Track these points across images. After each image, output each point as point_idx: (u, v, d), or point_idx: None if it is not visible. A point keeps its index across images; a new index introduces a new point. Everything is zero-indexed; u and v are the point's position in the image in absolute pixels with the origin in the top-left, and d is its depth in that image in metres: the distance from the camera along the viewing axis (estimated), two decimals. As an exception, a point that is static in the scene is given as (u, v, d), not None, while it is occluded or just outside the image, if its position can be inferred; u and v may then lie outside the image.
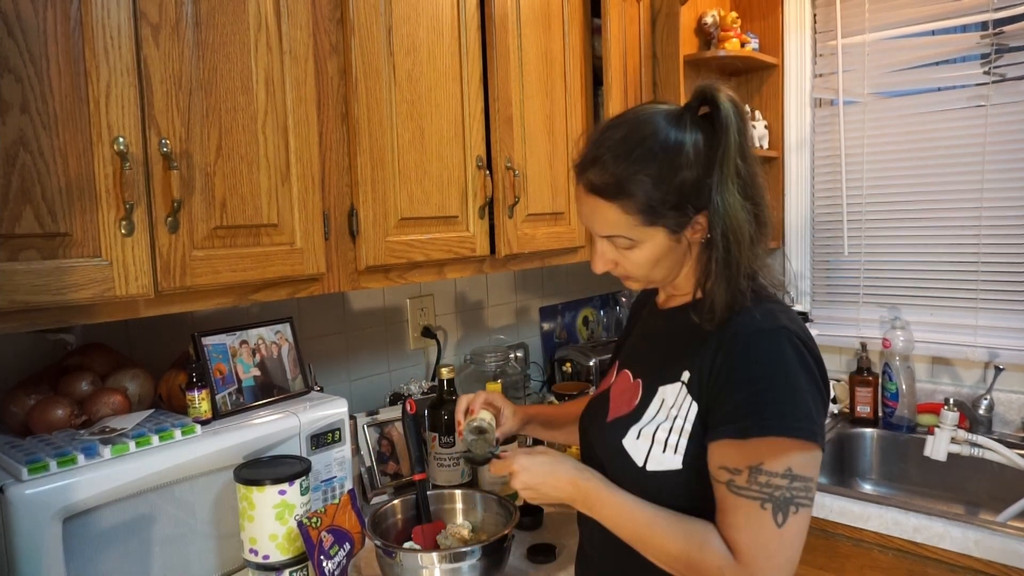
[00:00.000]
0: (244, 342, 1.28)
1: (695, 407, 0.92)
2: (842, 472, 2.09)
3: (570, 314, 2.40)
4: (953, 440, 1.71)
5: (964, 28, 2.05)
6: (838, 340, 2.29)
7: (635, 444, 0.96)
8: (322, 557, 1.09)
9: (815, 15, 2.28)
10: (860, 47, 2.18)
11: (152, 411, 1.15)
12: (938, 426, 1.74)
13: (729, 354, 0.89)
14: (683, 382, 0.95)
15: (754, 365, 0.87)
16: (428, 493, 1.30)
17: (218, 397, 1.20)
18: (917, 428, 2.05)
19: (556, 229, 1.71)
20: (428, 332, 1.87)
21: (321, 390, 1.40)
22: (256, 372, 1.28)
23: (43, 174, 0.86)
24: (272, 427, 1.20)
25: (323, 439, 1.27)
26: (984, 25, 1.97)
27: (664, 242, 0.94)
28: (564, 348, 2.26)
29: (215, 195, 1.05)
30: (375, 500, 1.57)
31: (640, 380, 1.03)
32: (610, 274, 1.02)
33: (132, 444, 1.03)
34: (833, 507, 1.65)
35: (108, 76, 0.91)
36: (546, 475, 0.99)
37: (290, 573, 1.11)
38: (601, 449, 1.03)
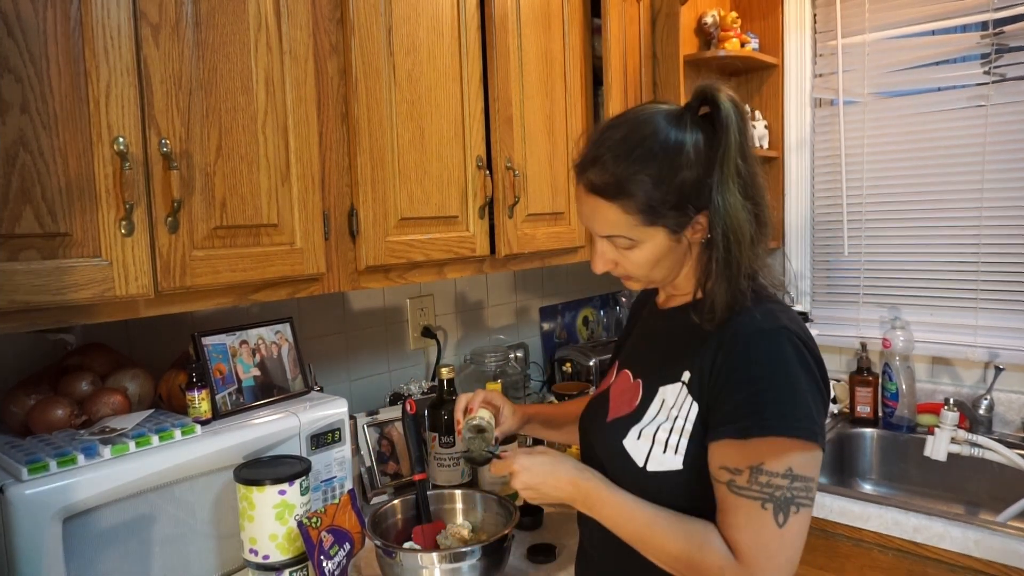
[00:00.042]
0: (244, 342, 1.28)
1: (695, 407, 0.92)
2: (842, 472, 2.09)
3: (570, 314, 2.40)
4: (953, 440, 1.71)
5: (964, 28, 2.05)
6: (838, 340, 2.29)
7: (635, 444, 0.96)
8: (322, 557, 1.09)
9: (815, 15, 2.28)
10: (860, 47, 2.18)
11: (152, 411, 1.15)
12: (938, 426, 1.74)
13: (729, 354, 0.89)
14: (683, 382, 0.95)
15: (754, 365, 0.87)
16: (428, 493, 1.30)
17: (218, 397, 1.20)
18: (917, 428, 2.05)
19: (556, 229, 1.71)
20: (428, 332, 1.87)
21: (321, 390, 1.40)
22: (256, 372, 1.28)
23: (43, 174, 0.86)
24: (272, 427, 1.20)
25: (323, 439, 1.27)
26: (984, 25, 1.97)
27: (664, 242, 0.94)
28: (564, 348, 2.26)
29: (215, 195, 1.05)
30: (375, 500, 1.57)
31: (640, 380, 1.03)
32: (610, 274, 1.02)
33: (132, 444, 1.03)
34: (833, 507, 1.65)
35: (108, 76, 0.91)
36: (546, 475, 0.99)
37: (290, 573, 1.11)
38: (601, 449, 1.03)
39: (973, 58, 2.02)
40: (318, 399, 1.32)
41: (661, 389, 0.98)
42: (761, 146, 2.32)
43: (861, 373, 2.14)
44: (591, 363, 2.09)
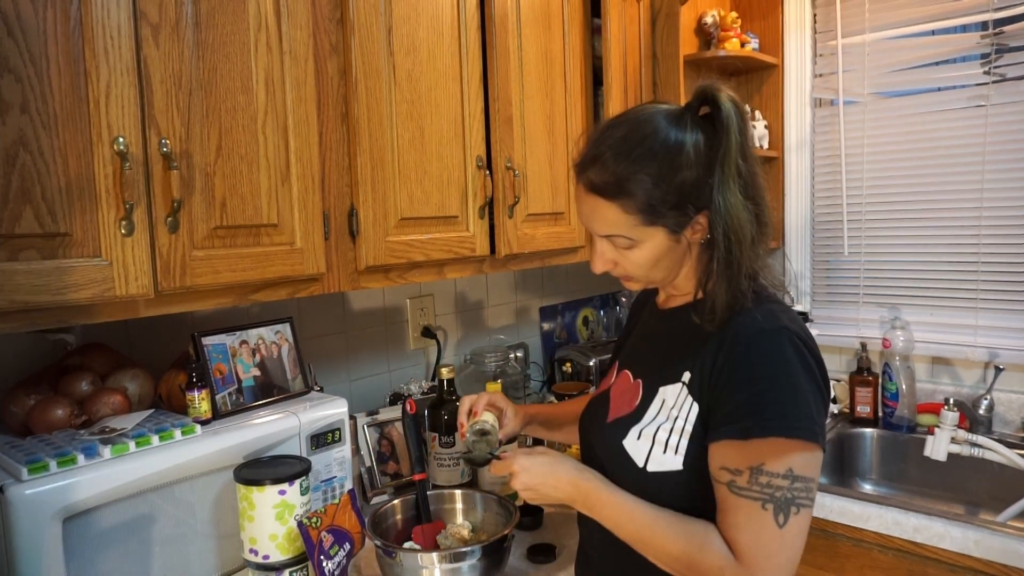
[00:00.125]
0: (244, 342, 1.28)
1: (696, 408, 0.92)
2: (842, 472, 2.09)
3: (570, 314, 2.40)
4: (953, 440, 1.71)
5: (964, 28, 2.05)
6: (838, 340, 2.29)
7: (635, 445, 0.96)
8: (322, 557, 1.09)
9: (815, 15, 2.28)
10: (860, 47, 2.18)
11: (152, 411, 1.15)
12: (938, 426, 1.74)
13: (730, 354, 0.89)
14: (684, 383, 0.95)
15: (755, 365, 0.87)
16: (428, 493, 1.30)
17: (218, 397, 1.20)
18: (917, 428, 2.05)
19: (556, 229, 1.71)
20: (428, 332, 1.87)
21: (321, 390, 1.40)
22: (256, 372, 1.28)
23: (43, 174, 0.86)
24: (272, 427, 1.20)
25: (323, 439, 1.27)
26: (984, 25, 1.97)
27: (664, 242, 0.94)
28: (564, 348, 2.26)
29: (215, 195, 1.05)
30: (375, 500, 1.57)
31: (640, 380, 1.03)
32: (610, 274, 1.02)
33: (132, 444, 1.03)
34: (833, 507, 1.65)
35: (108, 76, 0.91)
36: (546, 475, 0.99)
37: (290, 573, 1.11)
38: (601, 449, 1.03)
39: (973, 58, 2.02)
40: (318, 399, 1.32)
41: (661, 389, 0.98)
42: (761, 146, 2.32)
43: (861, 373, 2.14)
44: (591, 363, 2.09)
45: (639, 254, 0.95)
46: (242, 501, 1.10)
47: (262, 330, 1.32)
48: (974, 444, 1.69)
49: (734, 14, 2.19)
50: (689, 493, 0.92)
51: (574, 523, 1.15)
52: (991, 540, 1.44)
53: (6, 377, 1.16)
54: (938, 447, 1.72)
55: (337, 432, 1.29)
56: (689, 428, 0.92)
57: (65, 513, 0.94)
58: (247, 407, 1.24)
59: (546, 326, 2.31)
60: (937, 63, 2.08)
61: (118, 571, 1.03)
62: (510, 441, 1.57)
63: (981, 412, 1.97)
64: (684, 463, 0.92)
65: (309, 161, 1.17)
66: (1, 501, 0.90)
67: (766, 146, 2.34)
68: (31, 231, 0.86)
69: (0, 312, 0.84)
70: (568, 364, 2.13)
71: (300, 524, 1.09)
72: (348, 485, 1.32)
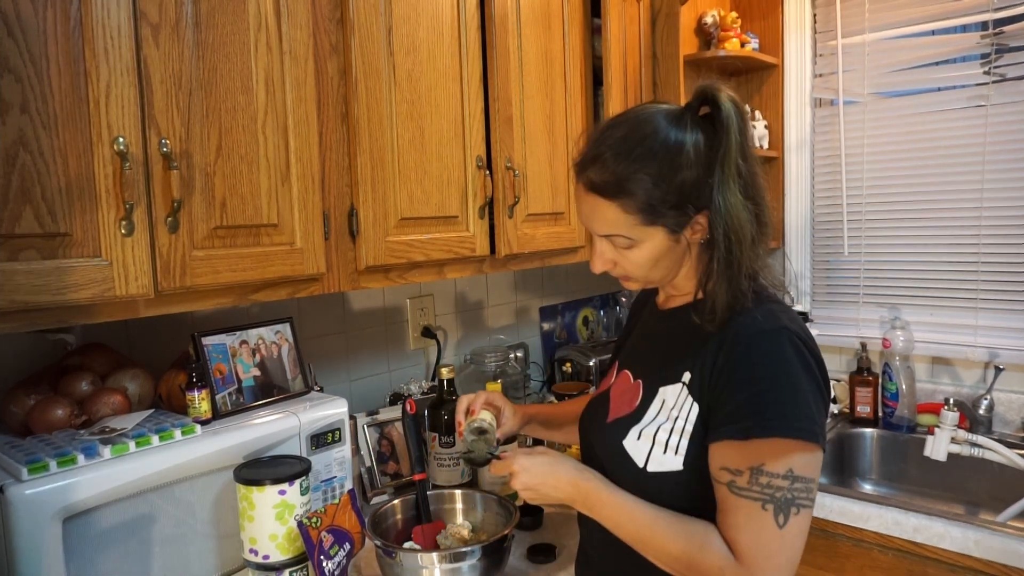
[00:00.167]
0: (244, 342, 1.28)
1: (696, 408, 0.92)
2: (842, 472, 2.09)
3: (570, 314, 2.40)
4: (953, 440, 1.71)
5: (964, 28, 2.05)
6: (838, 340, 2.29)
7: (636, 445, 0.96)
8: (322, 557, 1.09)
9: (815, 15, 2.28)
10: (860, 47, 2.18)
11: (152, 411, 1.15)
12: (938, 426, 1.74)
13: (730, 355, 0.89)
14: (684, 383, 0.94)
15: (755, 366, 0.87)
16: (428, 493, 1.30)
17: (218, 397, 1.20)
18: (917, 428, 2.05)
19: (556, 229, 1.71)
20: (428, 332, 1.87)
21: (321, 390, 1.40)
22: (256, 372, 1.28)
23: (43, 174, 0.86)
24: (272, 427, 1.20)
25: (323, 439, 1.27)
26: (984, 25, 1.97)
27: (663, 242, 0.94)
28: (564, 348, 2.26)
29: (215, 195, 1.05)
30: (375, 500, 1.57)
31: (640, 381, 1.03)
32: (609, 274, 1.02)
33: (132, 444, 1.03)
34: (833, 507, 1.65)
35: (108, 76, 0.91)
36: (546, 475, 0.99)
37: (290, 573, 1.11)
38: (601, 450, 1.03)
39: (973, 58, 2.02)
40: (318, 399, 1.32)
41: (661, 390, 0.98)
42: (761, 146, 2.32)
43: (861, 373, 2.14)
44: (591, 363, 2.09)
45: (638, 254, 0.95)
46: (242, 501, 1.10)
47: (262, 330, 1.32)
48: (974, 444, 1.69)
49: (734, 14, 2.19)
50: (689, 493, 0.92)
51: (574, 523, 1.15)
52: (991, 540, 1.44)
53: (6, 377, 1.16)
54: (938, 447, 1.72)
55: (337, 432, 1.29)
56: (689, 428, 0.92)
57: (65, 513, 0.94)
58: (247, 407, 1.24)
59: (546, 326, 2.31)
60: (937, 63, 2.08)
61: (118, 571, 1.03)
62: (509, 441, 1.57)
63: (981, 412, 1.98)
64: (684, 463, 0.92)
65: (309, 161, 1.17)
66: (1, 501, 0.90)
67: (766, 146, 2.34)
68: (31, 231, 0.86)
69: (0, 312, 0.84)
70: (568, 364, 2.13)
71: (300, 524, 1.09)
72: (348, 485, 1.32)
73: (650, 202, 0.91)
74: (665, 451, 0.93)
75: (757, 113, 2.35)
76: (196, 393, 1.16)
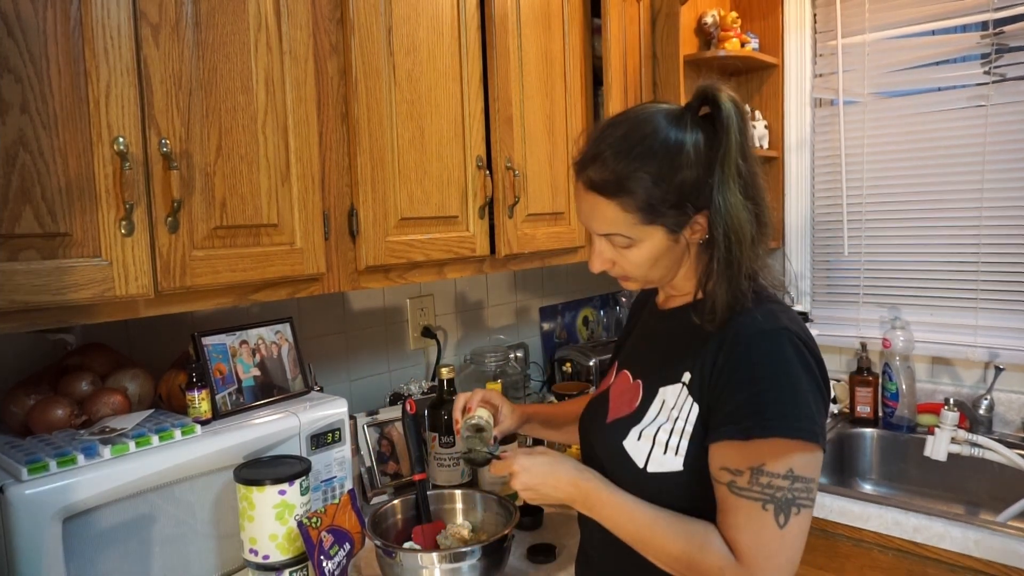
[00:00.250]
0: (244, 342, 1.28)
1: (696, 408, 0.92)
2: (842, 472, 2.09)
3: (570, 314, 2.40)
4: (953, 440, 1.71)
5: (964, 28, 2.05)
6: (838, 340, 2.29)
7: (636, 445, 0.96)
8: (322, 557, 1.09)
9: (815, 15, 2.28)
10: (860, 47, 2.18)
11: (152, 411, 1.15)
12: (938, 426, 1.74)
13: (730, 355, 0.89)
14: (684, 383, 0.94)
15: (755, 366, 0.87)
16: (428, 493, 1.30)
17: (218, 397, 1.20)
18: (917, 428, 2.05)
19: (556, 229, 1.71)
20: (428, 332, 1.87)
21: (321, 390, 1.40)
22: (256, 372, 1.28)
23: (43, 174, 0.86)
24: (272, 427, 1.20)
25: (323, 439, 1.27)
26: (984, 25, 1.97)
27: (663, 242, 0.94)
28: (564, 348, 2.26)
29: (215, 195, 1.05)
30: (375, 500, 1.57)
31: (640, 381, 1.03)
32: (608, 274, 1.02)
33: (132, 444, 1.03)
34: (833, 507, 1.65)
35: (108, 76, 0.91)
36: (546, 475, 0.99)
37: (290, 573, 1.11)
38: (601, 450, 1.03)
39: (973, 58, 2.02)
40: (318, 399, 1.32)
41: (661, 390, 0.98)
42: (761, 146, 2.32)
43: (861, 373, 2.14)
44: (591, 363, 2.09)
45: (637, 253, 0.95)
46: (242, 501, 1.10)
47: (262, 330, 1.32)
48: (974, 444, 1.69)
49: (734, 14, 2.19)
50: (689, 493, 0.92)
51: (574, 523, 1.15)
52: (991, 540, 1.44)
53: (6, 377, 1.16)
54: (938, 447, 1.72)
55: (337, 432, 1.29)
56: (689, 429, 0.92)
57: (65, 513, 0.94)
58: (247, 407, 1.24)
59: (546, 326, 2.31)
60: (937, 63, 2.08)
61: (118, 571, 1.03)
62: (508, 440, 1.57)
63: (981, 412, 1.98)
64: (684, 464, 0.92)
65: (309, 161, 1.17)
66: (1, 501, 0.90)
67: (766, 146, 2.34)
68: (31, 231, 0.86)
69: (0, 312, 0.84)
70: (568, 364, 2.13)
71: (300, 524, 1.09)
72: (348, 485, 1.32)
73: (649, 201, 0.91)
74: (665, 451, 0.93)
75: (757, 113, 2.35)
76: (196, 393, 1.16)
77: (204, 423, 1.15)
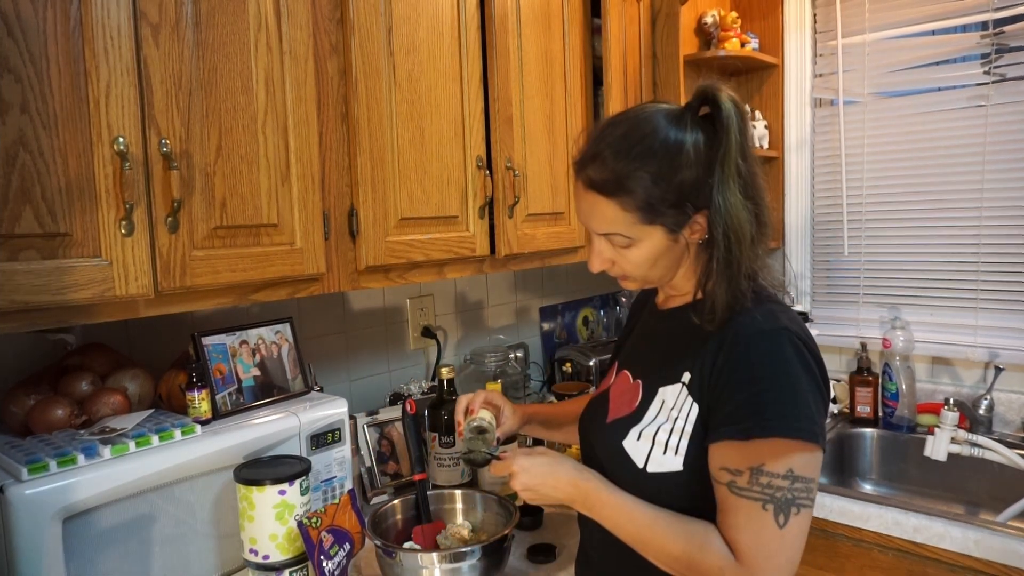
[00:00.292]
0: (244, 342, 1.28)
1: (696, 408, 0.92)
2: (842, 472, 2.09)
3: (570, 314, 2.40)
4: (953, 440, 1.71)
5: (964, 28, 2.05)
6: (838, 340, 2.29)
7: (635, 445, 0.96)
8: (322, 557, 1.09)
9: (815, 15, 2.28)
10: (860, 47, 2.18)
11: (152, 411, 1.15)
12: (938, 426, 1.74)
13: (730, 355, 0.89)
14: (683, 383, 0.94)
15: (755, 366, 0.87)
16: (428, 493, 1.30)
17: (218, 397, 1.20)
18: (917, 428, 2.05)
19: (556, 229, 1.71)
20: (428, 332, 1.87)
21: (321, 390, 1.40)
22: (256, 372, 1.28)
23: (43, 174, 0.86)
24: (272, 427, 1.20)
25: (323, 439, 1.27)
26: (984, 25, 1.97)
27: (662, 241, 0.94)
28: (564, 348, 2.26)
29: (215, 195, 1.05)
30: (375, 500, 1.57)
31: (640, 381, 1.03)
32: (607, 273, 1.02)
33: (132, 444, 1.03)
34: (833, 507, 1.65)
35: (108, 76, 0.91)
36: (545, 476, 0.99)
37: (290, 573, 1.11)
38: (601, 450, 1.03)
39: (973, 58, 2.02)
40: (318, 399, 1.32)
41: (661, 390, 0.98)
42: (761, 146, 2.32)
43: (861, 373, 2.14)
44: (591, 363, 2.09)
45: (637, 253, 0.95)
46: (242, 501, 1.10)
47: (262, 330, 1.32)
48: (974, 444, 1.69)
49: (734, 14, 2.19)
50: (689, 494, 0.92)
51: (574, 523, 1.15)
52: (991, 540, 1.44)
53: (6, 377, 1.16)
54: (938, 447, 1.72)
55: (337, 432, 1.29)
56: (689, 429, 0.92)
57: (65, 513, 0.94)
58: (247, 407, 1.24)
59: (546, 326, 2.31)
60: (937, 63, 2.08)
61: (118, 571, 1.03)
62: (509, 440, 1.57)
63: (981, 412, 1.98)
64: (684, 464, 0.92)
65: (309, 161, 1.17)
66: (1, 501, 0.90)
67: (766, 146, 2.34)
68: (31, 231, 0.86)
69: (0, 312, 0.84)
70: (568, 364, 2.13)
71: (300, 524, 1.09)
72: (348, 485, 1.32)
73: (649, 200, 0.91)
74: (665, 451, 0.93)
75: (757, 113, 2.35)
76: (196, 393, 1.16)
77: (204, 423, 1.15)
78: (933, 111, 2.08)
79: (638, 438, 0.96)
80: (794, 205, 2.36)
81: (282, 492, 1.09)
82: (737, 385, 0.88)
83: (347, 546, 1.14)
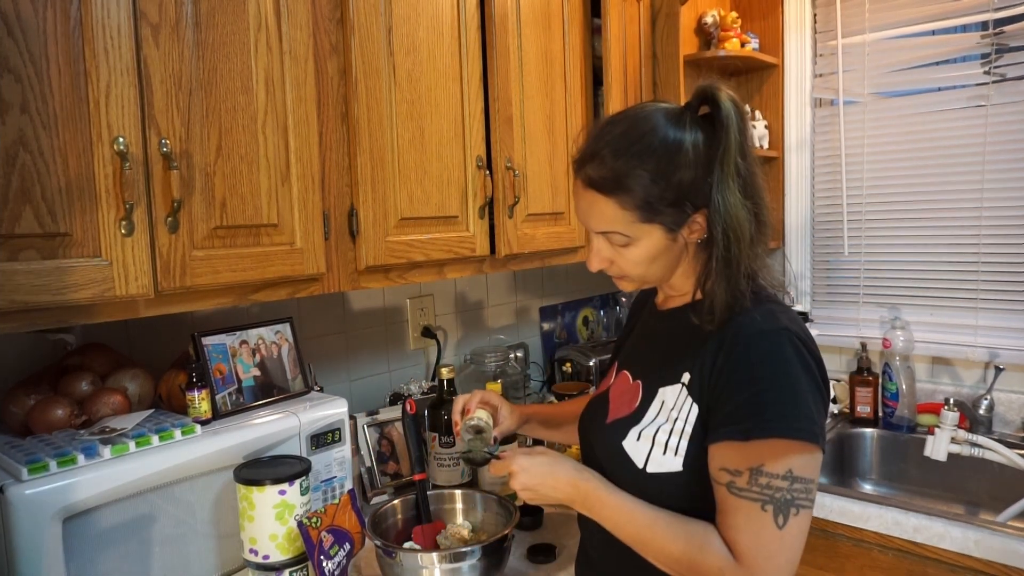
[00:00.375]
0: (244, 342, 1.28)
1: (695, 409, 0.92)
2: (842, 472, 2.09)
3: (570, 314, 2.40)
4: (953, 440, 1.71)
5: (964, 28, 2.05)
6: (838, 340, 2.29)
7: (635, 446, 0.96)
8: (322, 557, 1.09)
9: (815, 15, 2.28)
10: (860, 47, 2.18)
11: (152, 411, 1.15)
12: (938, 426, 1.74)
13: (730, 355, 0.89)
14: (683, 383, 0.94)
15: (755, 366, 0.87)
16: (428, 493, 1.30)
17: (218, 397, 1.20)
18: (917, 428, 2.05)
19: (556, 229, 1.71)
20: (428, 332, 1.87)
21: (321, 390, 1.40)
22: (256, 372, 1.28)
23: (43, 174, 0.86)
24: (272, 427, 1.20)
25: (323, 439, 1.27)
26: (984, 25, 1.97)
27: (661, 240, 0.94)
28: (564, 348, 2.26)
29: (215, 195, 1.05)
30: (375, 500, 1.57)
31: (640, 381, 1.03)
32: (605, 273, 1.01)
33: (132, 444, 1.03)
34: (833, 507, 1.65)
35: (108, 76, 0.91)
36: (545, 476, 0.99)
37: (290, 573, 1.11)
38: (601, 450, 1.03)
39: (973, 58, 2.02)
40: (318, 399, 1.32)
41: (661, 390, 0.97)
42: (761, 146, 2.32)
43: (861, 373, 2.14)
44: (591, 363, 2.09)
45: (635, 252, 0.95)
46: (242, 501, 1.10)
47: (262, 330, 1.32)
48: (974, 444, 1.69)
49: (734, 14, 2.19)
50: (689, 494, 0.92)
51: (574, 523, 1.15)
52: (991, 540, 1.44)
53: (6, 377, 1.16)
54: (938, 447, 1.72)
55: (337, 432, 1.29)
56: (689, 429, 0.92)
57: (65, 513, 0.94)
58: (247, 407, 1.24)
59: (546, 326, 2.31)
60: (937, 63, 2.08)
61: (118, 571, 1.03)
62: (508, 440, 1.57)
63: (981, 412, 1.98)
64: (684, 464, 0.92)
65: (309, 161, 1.17)
66: (1, 501, 0.91)
67: (766, 146, 2.34)
68: (31, 231, 0.86)
69: (0, 312, 0.84)
70: (568, 364, 2.13)
71: (300, 524, 1.09)
72: (348, 485, 1.32)
73: (648, 199, 0.91)
74: (664, 452, 0.93)
75: (757, 113, 2.35)
76: (196, 393, 1.16)
77: (204, 423, 1.16)
78: (933, 111, 2.08)
79: (638, 438, 0.96)
80: (794, 205, 2.36)
81: (282, 492, 1.09)
82: (737, 385, 0.88)
83: (347, 546, 1.14)
